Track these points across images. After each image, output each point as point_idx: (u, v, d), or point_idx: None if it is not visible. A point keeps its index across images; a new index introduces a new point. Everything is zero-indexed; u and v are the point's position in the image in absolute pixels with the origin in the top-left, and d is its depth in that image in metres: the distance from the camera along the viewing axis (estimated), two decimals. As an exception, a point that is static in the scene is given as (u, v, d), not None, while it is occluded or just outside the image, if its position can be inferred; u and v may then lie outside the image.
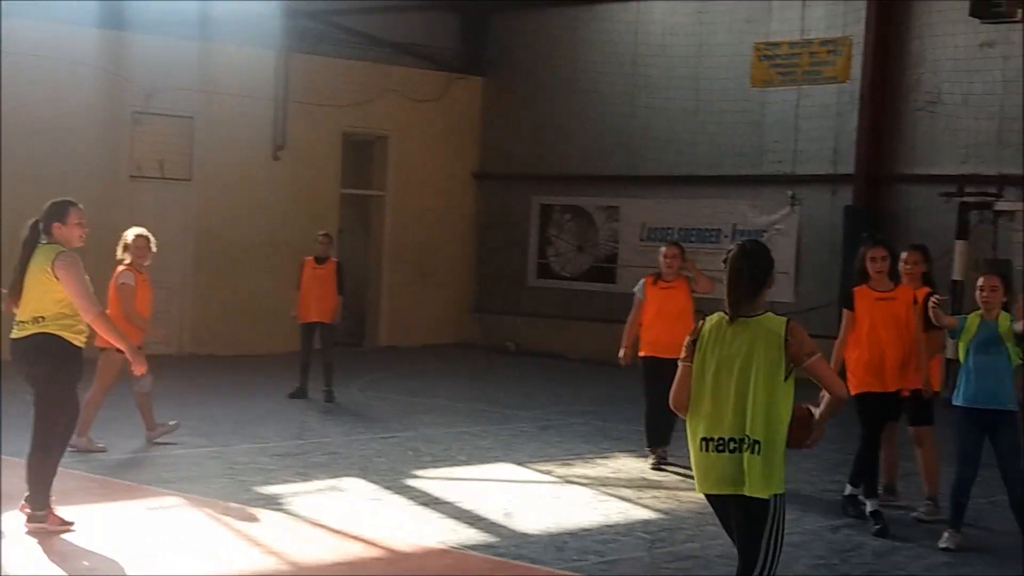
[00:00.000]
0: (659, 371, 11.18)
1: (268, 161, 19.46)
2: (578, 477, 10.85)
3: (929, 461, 9.56)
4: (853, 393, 8.90)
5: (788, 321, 5.52)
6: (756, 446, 5.39)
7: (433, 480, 10.51)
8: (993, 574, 8.20)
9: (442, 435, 12.63)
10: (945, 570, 8.21)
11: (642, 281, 11.50)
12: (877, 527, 8.99)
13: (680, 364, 5.65)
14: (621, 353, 11.41)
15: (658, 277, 11.34)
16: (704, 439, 5.50)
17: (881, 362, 9.14)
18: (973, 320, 8.43)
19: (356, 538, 8.54)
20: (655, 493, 10.29)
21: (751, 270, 5.54)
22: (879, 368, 9.15)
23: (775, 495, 5.45)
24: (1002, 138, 16.86)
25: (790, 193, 18.61)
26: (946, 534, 8.57)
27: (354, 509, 9.34)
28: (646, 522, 9.30)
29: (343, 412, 13.92)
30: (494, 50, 21.88)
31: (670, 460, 11.20)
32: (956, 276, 15.24)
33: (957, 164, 17.13)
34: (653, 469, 11.13)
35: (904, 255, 9.55)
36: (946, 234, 15.76)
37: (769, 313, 5.55)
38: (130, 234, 11.31)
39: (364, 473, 10.66)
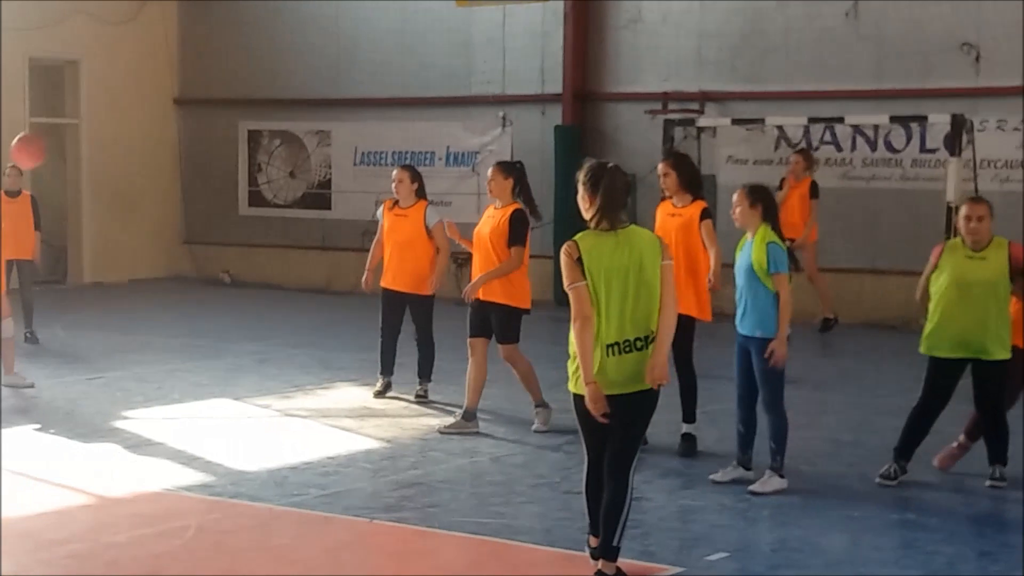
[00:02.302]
0: (385, 300, 11.01)
1: (-53, 91, 18.18)
2: (298, 409, 10.59)
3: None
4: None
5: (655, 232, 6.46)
6: (652, 337, 6.10)
7: (145, 421, 10.06)
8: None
9: (154, 373, 12.12)
10: (647, 472, 8.38)
11: (382, 205, 11.16)
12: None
13: (574, 287, 6.04)
14: (363, 278, 11.11)
15: (396, 202, 10.99)
16: (611, 345, 6.03)
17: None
18: (742, 241, 8.09)
19: (62, 486, 8.09)
20: (377, 422, 10.13)
21: (623, 184, 6.21)
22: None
23: None
24: (701, 55, 17.29)
25: (501, 113, 18.61)
26: (728, 468, 8.25)
27: (59, 455, 8.85)
28: (368, 452, 9.15)
29: (46, 353, 13.18)
30: (190, -30, 20.98)
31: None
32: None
33: (660, 82, 17.46)
34: (375, 397, 10.97)
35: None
36: (653, 151, 16.03)
37: (633, 224, 6.20)
38: None
39: (69, 417, 10.12)
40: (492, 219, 9.63)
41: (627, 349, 6.05)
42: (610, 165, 6.27)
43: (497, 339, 9.65)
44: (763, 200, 8.00)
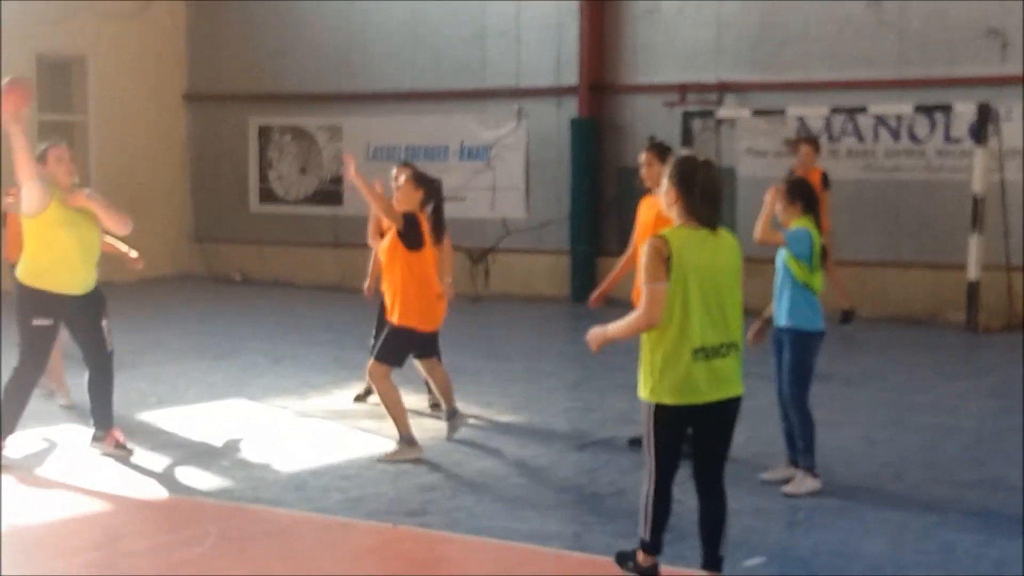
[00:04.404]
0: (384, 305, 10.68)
1: (-46, 88, 17.97)
2: (316, 410, 10.37)
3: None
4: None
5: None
6: (738, 346, 5.85)
7: (160, 423, 9.85)
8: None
9: (167, 373, 11.92)
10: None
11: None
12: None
13: (652, 286, 5.65)
14: (366, 284, 10.83)
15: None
16: (698, 349, 5.70)
17: None
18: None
19: (78, 489, 7.89)
20: (397, 421, 9.90)
21: (718, 179, 5.86)
22: None
23: None
24: (720, 45, 17.04)
25: (516, 107, 18.38)
26: (778, 468, 8.10)
27: (74, 459, 8.64)
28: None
29: (57, 355, 12.98)
30: (199, -37, 20.77)
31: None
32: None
33: (678, 73, 17.21)
34: (356, 401, 10.54)
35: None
36: (671, 143, 15.76)
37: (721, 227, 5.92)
38: None
39: (83, 419, 9.87)
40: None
41: (713, 355, 5.72)
42: (701, 159, 5.90)
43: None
44: (802, 195, 7.83)
